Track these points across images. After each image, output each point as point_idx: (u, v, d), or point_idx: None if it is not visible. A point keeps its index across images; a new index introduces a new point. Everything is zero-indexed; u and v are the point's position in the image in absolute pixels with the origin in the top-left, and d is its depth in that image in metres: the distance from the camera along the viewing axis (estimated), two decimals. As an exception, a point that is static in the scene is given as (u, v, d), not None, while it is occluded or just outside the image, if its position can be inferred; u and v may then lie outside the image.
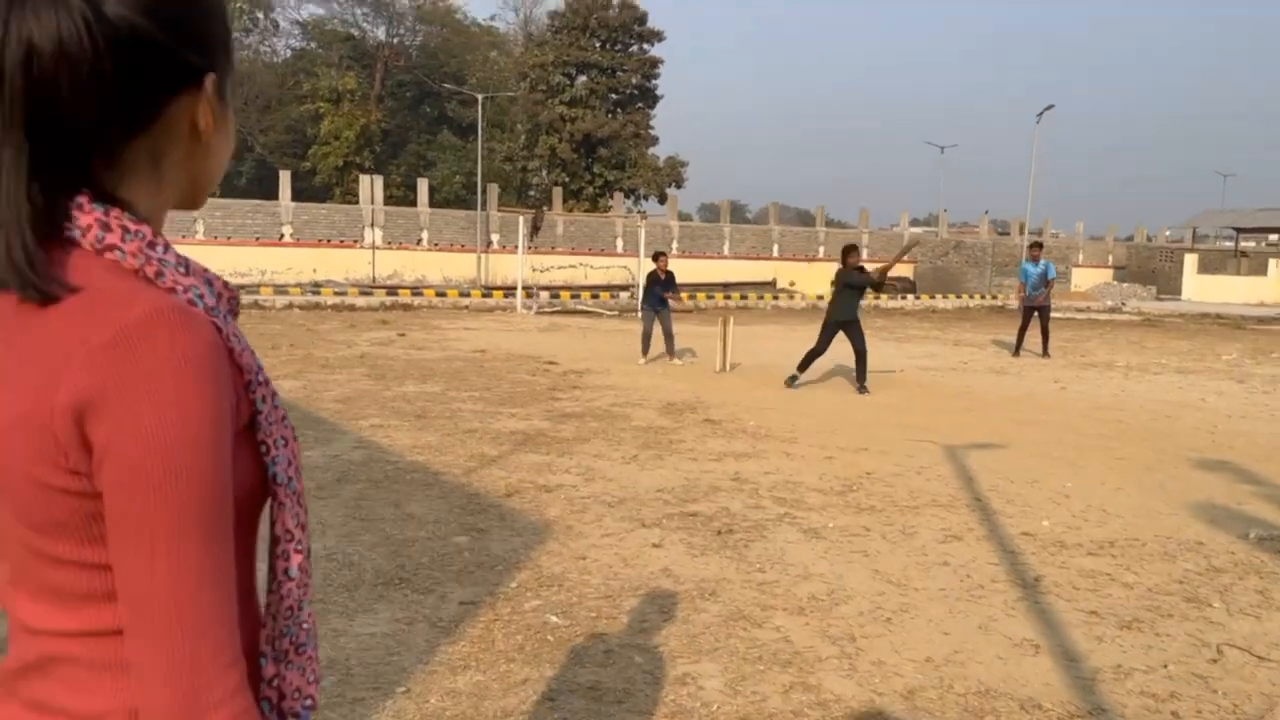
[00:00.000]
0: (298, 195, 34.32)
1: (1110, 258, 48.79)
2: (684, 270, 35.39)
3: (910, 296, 36.41)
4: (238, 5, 52.88)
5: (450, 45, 59.98)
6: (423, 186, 34.47)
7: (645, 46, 56.37)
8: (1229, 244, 49.79)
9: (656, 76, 56.93)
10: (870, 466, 7.29)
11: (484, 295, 28.60)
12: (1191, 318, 29.84)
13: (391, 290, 28.56)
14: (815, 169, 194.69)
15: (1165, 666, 3.71)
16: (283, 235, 32.85)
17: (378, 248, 33.42)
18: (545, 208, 31.06)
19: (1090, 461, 7.72)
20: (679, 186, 55.76)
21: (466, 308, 25.45)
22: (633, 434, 8.28)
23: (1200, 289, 39.16)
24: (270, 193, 34.14)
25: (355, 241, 33.52)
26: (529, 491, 6.25)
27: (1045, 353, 16.07)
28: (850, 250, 11.82)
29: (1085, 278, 44.44)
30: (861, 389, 11.44)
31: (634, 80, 55.77)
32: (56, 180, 0.86)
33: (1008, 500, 6.35)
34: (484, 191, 34.58)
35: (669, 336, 14.00)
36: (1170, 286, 43.31)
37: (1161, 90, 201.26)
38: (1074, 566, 4.96)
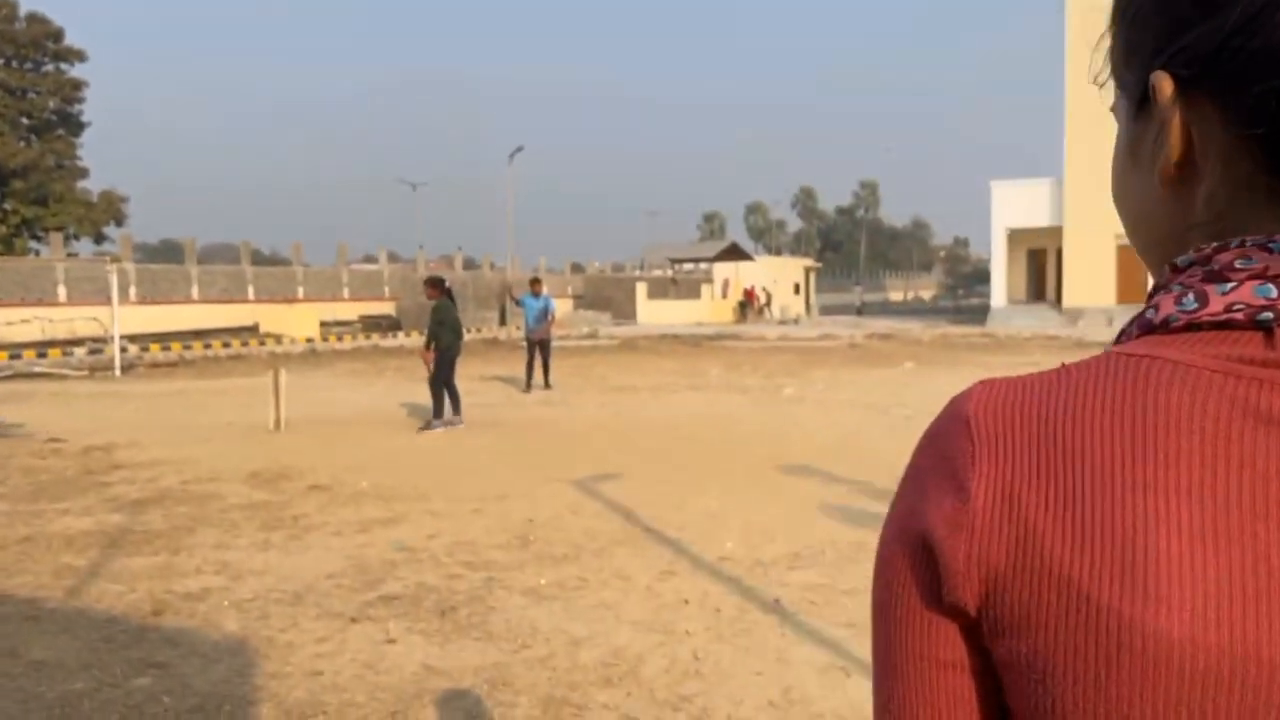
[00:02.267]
0: None
1: (570, 288, 53.28)
2: (146, 319, 31.60)
3: (399, 334, 36.42)
4: None
5: None
6: None
7: (63, 66, 49.61)
8: (658, 272, 57.26)
9: (80, 100, 50.40)
10: (524, 513, 7.08)
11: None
12: (655, 339, 33.67)
13: None
14: (280, 205, 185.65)
15: (951, 661, 4.08)
16: None
17: None
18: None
19: (703, 480, 8.29)
20: (119, 224, 49.84)
21: (-126, 380, 20.06)
22: (241, 515, 7.13)
23: (651, 313, 44.43)
24: None
25: None
26: (176, 604, 5.07)
27: (547, 384, 16.16)
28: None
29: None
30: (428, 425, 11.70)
31: (51, 104, 48.77)
32: None
33: (678, 528, 6.57)
34: None
35: None
36: (622, 312, 48.53)
37: (598, 136, 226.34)
38: (792, 582, 5.28)
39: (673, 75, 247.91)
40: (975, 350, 26.05)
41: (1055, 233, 39.50)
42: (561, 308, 49.02)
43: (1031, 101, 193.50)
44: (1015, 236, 41.46)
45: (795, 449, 9.85)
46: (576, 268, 60.02)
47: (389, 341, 33.50)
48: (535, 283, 17.06)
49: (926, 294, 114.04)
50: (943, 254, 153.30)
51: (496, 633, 4.60)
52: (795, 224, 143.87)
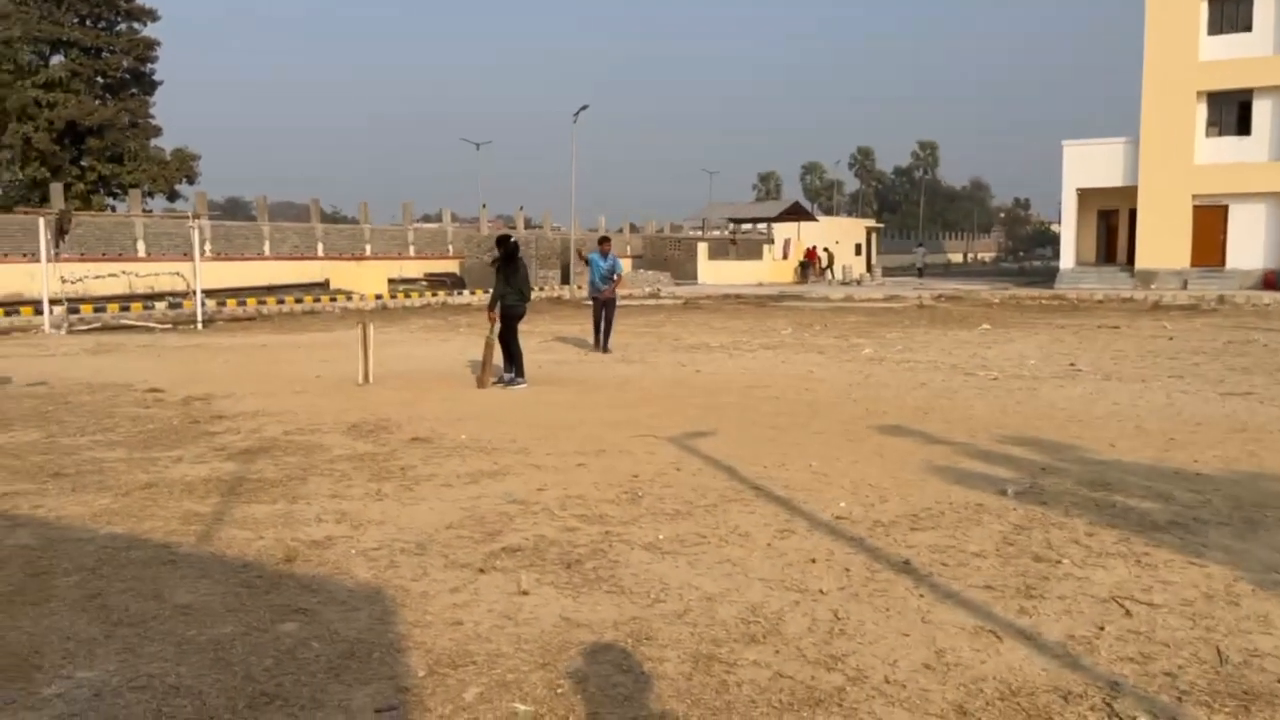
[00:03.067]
0: None
1: (629, 248, 53.11)
2: (222, 274, 32.20)
3: (464, 292, 36.62)
4: None
5: None
6: None
7: (136, 26, 50.23)
8: (717, 232, 56.76)
9: (153, 59, 51.00)
10: (627, 469, 7.07)
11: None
12: (717, 299, 33.49)
13: None
14: (342, 164, 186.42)
15: (1103, 629, 3.99)
16: None
17: None
18: (71, 209, 26.27)
19: (798, 438, 8.21)
20: (191, 182, 50.66)
21: (-31, 331, 20.71)
22: (349, 466, 7.22)
23: (711, 273, 44.22)
24: None
25: None
26: (305, 551, 5.15)
27: (606, 346, 15.65)
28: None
29: (612, 266, 47.85)
30: (513, 381, 11.74)
31: (124, 63, 49.45)
32: None
33: (785, 486, 6.51)
34: (-43, 189, 28.29)
35: None
36: (681, 272, 48.32)
37: (653, 99, 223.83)
38: (918, 544, 5.19)
39: (729, 35, 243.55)
40: (1048, 312, 25.52)
41: (1128, 193, 38.40)
42: (624, 268, 48.98)
43: (1100, 62, 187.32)
44: (1086, 197, 40.36)
45: (887, 409, 9.72)
46: (634, 228, 59.78)
47: (456, 299, 33.71)
48: (604, 242, 16.49)
49: (986, 256, 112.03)
50: (1002, 215, 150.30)
51: (627, 586, 4.59)
52: (852, 185, 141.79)
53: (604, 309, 15.84)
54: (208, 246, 33.38)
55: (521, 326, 12.27)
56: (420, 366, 13.90)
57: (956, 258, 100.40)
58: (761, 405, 10.09)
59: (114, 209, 45.20)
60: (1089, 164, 39.24)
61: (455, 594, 4.53)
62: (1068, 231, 41.09)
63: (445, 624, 4.15)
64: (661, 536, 5.40)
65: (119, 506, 6.04)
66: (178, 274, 24.87)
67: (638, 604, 4.37)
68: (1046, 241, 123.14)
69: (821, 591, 4.48)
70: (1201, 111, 36.57)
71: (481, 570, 4.86)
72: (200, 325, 21.66)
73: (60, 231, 21.41)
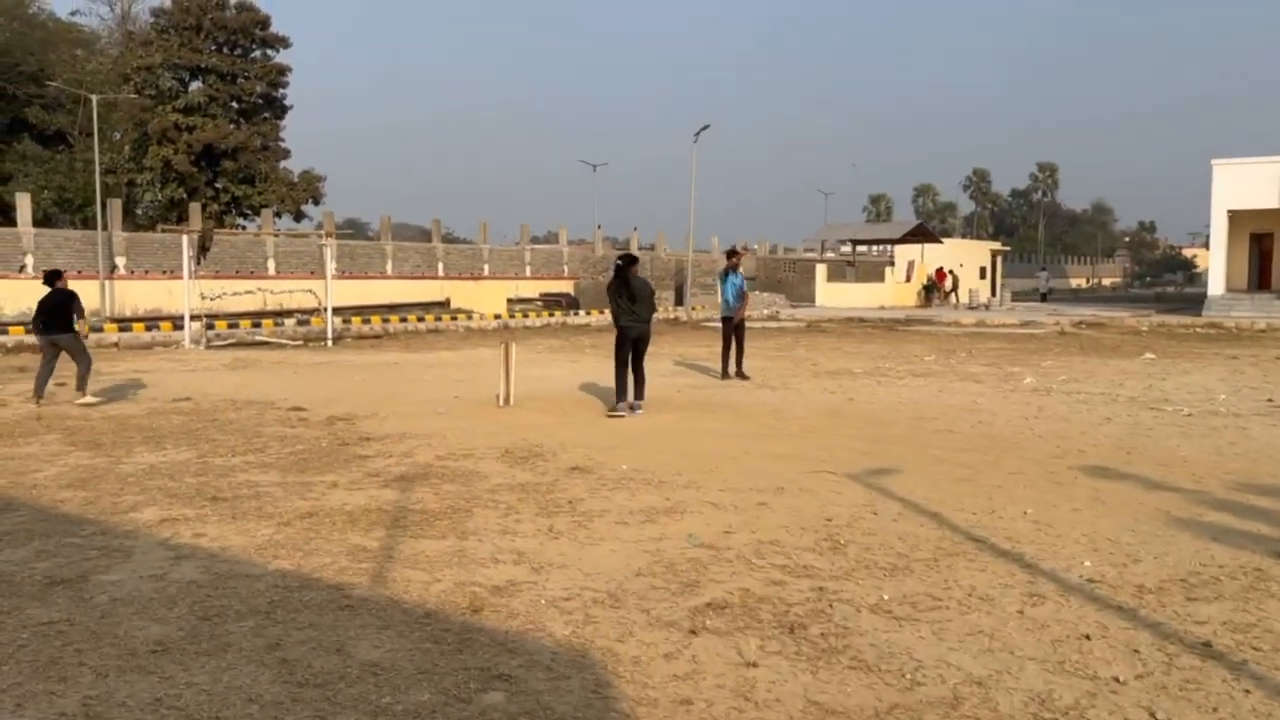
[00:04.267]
0: None
1: (741, 269, 52.36)
2: (347, 293, 32.73)
3: (579, 313, 36.45)
4: None
5: (25, 41, 51.25)
6: (24, 202, 28.59)
7: (269, 52, 52.02)
8: (832, 254, 55.58)
9: (284, 85, 52.72)
10: (816, 511, 6.37)
11: (121, 329, 24.28)
12: (840, 322, 32.43)
13: (-4, 328, 23.28)
14: (463, 185, 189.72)
15: None
16: None
17: (-38, 276, 27.29)
18: (211, 227, 27.01)
19: (996, 479, 7.38)
20: (316, 203, 52.06)
21: (115, 345, 21.26)
22: (512, 497, 6.71)
23: (830, 295, 43.04)
24: None
25: (-70, 269, 27.18)
26: (489, 599, 4.61)
27: (741, 373, 14.55)
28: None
29: (727, 288, 47.12)
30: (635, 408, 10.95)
31: (258, 88, 51.19)
32: None
33: (1007, 538, 5.72)
34: (104, 208, 29.41)
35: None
36: (796, 294, 47.32)
37: (768, 118, 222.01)
38: (1208, 618, 4.36)
39: (845, 63, 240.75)
40: (1209, 342, 23.77)
41: (1285, 216, 35.87)
42: (736, 289, 48.19)
43: (1234, 82, 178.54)
44: (1237, 219, 37.88)
45: (1081, 448, 8.77)
46: (745, 249, 59.08)
47: (574, 319, 33.52)
48: (732, 254, 15.18)
49: (1110, 281, 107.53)
50: (1127, 240, 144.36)
51: (871, 662, 3.90)
52: (965, 207, 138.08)
53: (735, 331, 14.75)
54: (333, 265, 34.03)
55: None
56: (555, 388, 13.45)
57: (1079, 282, 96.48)
58: (936, 439, 9.26)
59: (244, 228, 46.67)
60: (1241, 184, 36.84)
61: (671, 661, 3.91)
62: (1217, 256, 38.64)
63: (672, 702, 3.53)
64: (886, 597, 4.69)
65: (283, 538, 5.64)
66: (310, 291, 25.23)
67: (893, 686, 3.67)
68: (1177, 266, 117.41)
69: (1117, 680, 3.71)
70: (1370, 128, 33.97)
71: (693, 632, 4.23)
72: (330, 343, 21.82)
73: (202, 249, 21.89)
